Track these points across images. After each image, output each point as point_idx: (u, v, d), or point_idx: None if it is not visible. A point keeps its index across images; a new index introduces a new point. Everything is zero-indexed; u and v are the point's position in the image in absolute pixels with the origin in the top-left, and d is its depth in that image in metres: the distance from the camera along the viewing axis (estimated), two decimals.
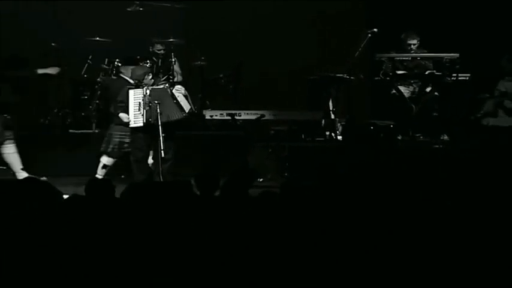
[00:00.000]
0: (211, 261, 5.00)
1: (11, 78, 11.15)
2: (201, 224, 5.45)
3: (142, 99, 10.48)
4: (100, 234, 5.26)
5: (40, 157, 11.76)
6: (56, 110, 12.87)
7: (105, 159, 11.02)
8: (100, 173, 11.03)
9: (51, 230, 5.27)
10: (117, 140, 10.89)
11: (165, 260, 5.03)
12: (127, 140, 10.81)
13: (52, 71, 11.55)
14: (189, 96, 11.13)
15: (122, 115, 10.65)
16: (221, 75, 13.06)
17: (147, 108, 10.43)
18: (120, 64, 12.22)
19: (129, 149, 10.82)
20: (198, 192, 6.75)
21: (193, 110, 10.98)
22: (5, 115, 11.05)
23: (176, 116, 10.53)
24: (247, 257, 5.04)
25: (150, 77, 10.80)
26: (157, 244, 5.16)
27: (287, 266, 4.96)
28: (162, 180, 10.15)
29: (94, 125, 12.56)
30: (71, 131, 12.58)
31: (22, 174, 10.89)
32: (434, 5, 13.00)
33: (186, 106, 10.68)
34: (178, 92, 10.76)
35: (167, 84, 10.91)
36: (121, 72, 11.47)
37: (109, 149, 10.98)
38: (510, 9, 12.75)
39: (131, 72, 10.96)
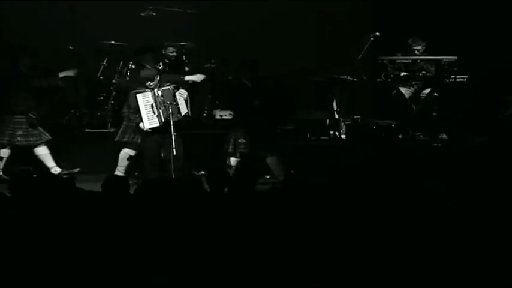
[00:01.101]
0: (221, 254, 4.99)
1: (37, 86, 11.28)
2: (212, 219, 5.45)
3: (155, 101, 10.52)
4: (115, 229, 5.27)
5: (58, 155, 11.78)
6: (73, 110, 12.91)
7: (126, 150, 11.10)
8: (122, 165, 11.08)
9: (68, 225, 5.27)
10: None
11: (178, 254, 5.01)
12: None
13: (71, 73, 11.63)
14: (199, 97, 11.25)
15: (142, 125, 10.68)
16: (230, 77, 13.05)
17: (162, 108, 10.48)
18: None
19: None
20: (209, 189, 6.76)
21: (189, 114, 11.04)
22: (33, 116, 11.18)
23: (175, 118, 10.60)
24: (255, 250, 5.02)
25: (158, 78, 10.83)
26: (170, 239, 5.15)
27: (294, 259, 4.94)
28: (174, 177, 10.17)
29: (109, 124, 12.59)
30: (87, 130, 12.60)
31: (56, 170, 11.14)
32: (435, 10, 12.97)
33: (184, 110, 10.75)
34: (181, 95, 10.86)
35: (172, 86, 10.94)
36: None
37: (125, 139, 11.05)
38: (507, 14, 12.72)
39: (140, 73, 10.99)
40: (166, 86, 10.85)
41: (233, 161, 11.11)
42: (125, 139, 11.03)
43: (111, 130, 12.45)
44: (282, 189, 6.14)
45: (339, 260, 4.94)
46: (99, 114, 12.75)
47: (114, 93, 12.57)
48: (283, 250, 5.00)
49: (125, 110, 11.16)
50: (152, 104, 10.53)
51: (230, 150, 11.13)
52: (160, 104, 10.51)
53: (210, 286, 4.81)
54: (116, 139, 11.12)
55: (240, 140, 11.07)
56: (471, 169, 9.85)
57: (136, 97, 10.61)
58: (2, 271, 4.80)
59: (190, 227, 5.31)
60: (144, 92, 10.66)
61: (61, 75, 11.48)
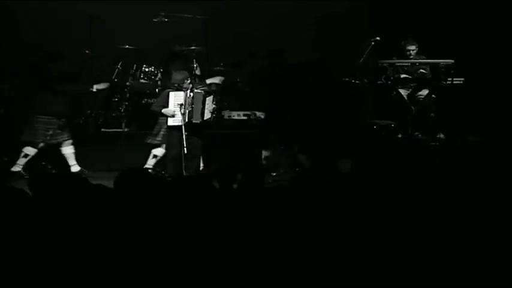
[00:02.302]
0: (230, 249, 4.98)
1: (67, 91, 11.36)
2: (220, 215, 5.45)
3: (185, 101, 10.55)
4: (127, 223, 5.26)
5: (75, 153, 11.80)
6: (89, 111, 12.92)
7: (156, 151, 11.15)
8: (150, 163, 11.09)
9: (82, 220, 5.27)
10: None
11: (188, 249, 5.00)
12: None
13: (104, 86, 11.72)
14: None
15: (165, 110, 10.68)
16: (238, 80, 13.06)
17: (190, 109, 10.52)
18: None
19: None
20: (217, 186, 6.76)
21: (210, 119, 11.07)
22: (62, 119, 11.30)
23: (197, 120, 10.61)
24: (263, 245, 5.01)
25: (189, 81, 10.86)
26: (180, 234, 5.15)
27: (299, 256, 4.91)
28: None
29: (123, 124, 12.62)
30: (103, 129, 12.62)
31: (76, 168, 11.28)
32: (432, 15, 12.96)
33: (207, 115, 10.76)
34: (209, 101, 10.86)
35: (204, 91, 10.97)
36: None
37: (155, 141, 11.08)
38: (501, 19, 12.70)
39: (172, 77, 11.01)
40: (200, 89, 10.91)
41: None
42: (156, 141, 11.07)
43: (126, 130, 12.51)
44: (289, 187, 6.13)
45: (345, 256, 4.90)
46: (114, 115, 12.76)
47: (128, 95, 12.59)
48: (289, 247, 4.97)
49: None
50: (181, 104, 10.55)
51: None
52: (188, 105, 10.54)
53: (216, 282, 4.79)
54: (148, 141, 11.15)
55: None
56: (468, 166, 9.85)
57: (168, 94, 10.66)
58: (21, 265, 4.80)
59: (197, 223, 5.30)
60: (177, 90, 10.73)
61: (96, 88, 11.58)
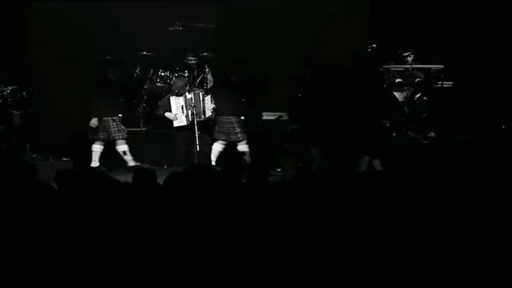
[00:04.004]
0: (240, 238, 4.96)
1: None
2: (231, 206, 5.45)
3: (185, 103, 10.67)
4: (146, 216, 5.27)
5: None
6: None
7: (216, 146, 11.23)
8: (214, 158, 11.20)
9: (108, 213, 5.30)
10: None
11: (203, 237, 4.98)
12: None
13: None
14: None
15: (168, 114, 10.83)
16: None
17: (191, 109, 10.62)
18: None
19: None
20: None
21: (211, 117, 11.13)
22: (119, 119, 11.41)
23: (200, 118, 10.73)
24: (270, 234, 4.97)
25: (188, 87, 10.99)
26: (195, 224, 5.15)
27: (301, 250, 4.85)
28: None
29: (142, 124, 12.66)
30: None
31: (132, 163, 11.38)
32: (424, 24, 12.95)
33: (208, 113, 10.86)
34: (207, 100, 10.98)
35: (202, 91, 11.06)
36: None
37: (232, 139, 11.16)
38: (487, 27, 12.71)
39: (172, 84, 11.11)
40: (197, 90, 11.01)
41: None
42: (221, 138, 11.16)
43: (143, 129, 12.54)
44: (291, 181, 6.11)
45: (344, 252, 4.80)
46: (133, 115, 12.79)
47: (145, 97, 12.63)
48: (291, 241, 4.90)
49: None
50: (182, 106, 10.66)
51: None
52: (189, 106, 10.65)
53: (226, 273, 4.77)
54: (215, 137, 11.26)
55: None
56: (459, 162, 9.84)
57: (169, 99, 10.82)
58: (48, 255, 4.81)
59: (211, 211, 5.29)
60: (177, 95, 10.81)
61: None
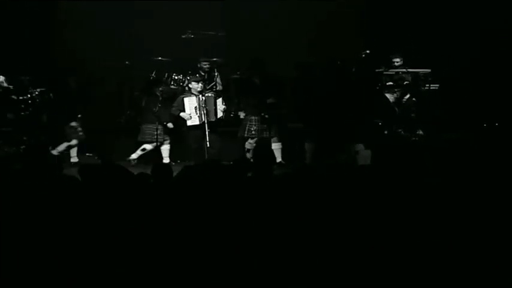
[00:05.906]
0: (250, 228, 4.92)
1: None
2: (238, 198, 5.46)
3: (198, 104, 10.80)
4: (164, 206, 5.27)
5: (116, 147, 11.93)
6: (128, 112, 13.02)
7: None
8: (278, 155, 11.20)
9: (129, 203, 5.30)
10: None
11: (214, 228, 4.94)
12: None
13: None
14: (227, 102, 11.43)
15: (183, 114, 10.92)
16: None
17: (204, 110, 10.74)
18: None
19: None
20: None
21: (223, 118, 11.19)
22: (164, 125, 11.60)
23: (212, 118, 10.86)
24: (275, 226, 4.90)
25: (201, 85, 11.12)
26: (207, 213, 5.12)
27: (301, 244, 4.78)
28: None
29: (157, 122, 12.65)
30: (139, 127, 12.67)
31: (166, 160, 11.55)
32: (413, 31, 12.95)
33: (219, 114, 10.97)
34: (219, 102, 11.07)
35: (214, 94, 11.16)
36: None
37: (245, 134, 11.21)
38: (473, 34, 12.70)
39: (191, 86, 11.30)
40: (210, 93, 11.12)
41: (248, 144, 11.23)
42: (245, 134, 11.22)
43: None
44: (292, 174, 6.10)
45: (343, 247, 4.67)
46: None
47: (160, 98, 12.64)
48: (292, 234, 4.83)
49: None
50: (196, 107, 10.80)
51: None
52: (202, 107, 10.79)
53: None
54: (239, 135, 11.30)
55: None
56: (446, 160, 9.81)
57: (183, 100, 10.94)
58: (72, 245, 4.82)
59: (221, 202, 5.26)
60: (190, 96, 10.87)
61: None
